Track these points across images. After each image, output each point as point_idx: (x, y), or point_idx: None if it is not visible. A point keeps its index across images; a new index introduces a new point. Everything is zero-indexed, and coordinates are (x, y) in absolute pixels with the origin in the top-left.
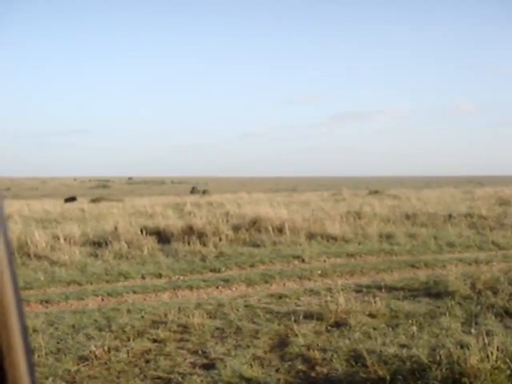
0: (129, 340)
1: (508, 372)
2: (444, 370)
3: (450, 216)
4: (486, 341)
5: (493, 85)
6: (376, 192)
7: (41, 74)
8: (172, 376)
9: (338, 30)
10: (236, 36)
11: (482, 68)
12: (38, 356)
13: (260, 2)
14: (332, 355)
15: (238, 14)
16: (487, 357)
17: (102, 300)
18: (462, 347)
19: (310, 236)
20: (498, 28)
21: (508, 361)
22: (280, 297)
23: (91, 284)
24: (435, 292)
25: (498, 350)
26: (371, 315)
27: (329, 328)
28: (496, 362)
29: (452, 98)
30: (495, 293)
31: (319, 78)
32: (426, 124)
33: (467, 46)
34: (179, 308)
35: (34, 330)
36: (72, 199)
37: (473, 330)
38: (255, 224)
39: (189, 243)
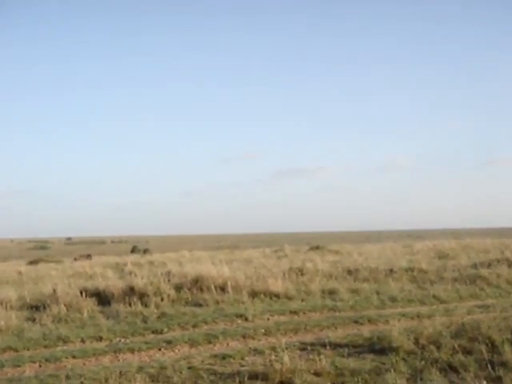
0: None
1: None
2: None
3: (391, 270)
4: None
5: (429, 140)
6: (317, 247)
7: None
8: None
9: (278, 85)
10: (173, 91)
11: (419, 123)
12: None
13: (193, 47)
14: None
15: (179, 63)
16: None
17: (40, 366)
18: None
19: (253, 294)
20: (430, 83)
21: None
22: (224, 357)
23: (28, 350)
24: (379, 348)
25: None
26: (316, 374)
27: None
28: None
29: (389, 153)
30: (438, 347)
31: (262, 135)
32: (363, 180)
33: (402, 99)
34: (120, 372)
35: None
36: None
37: None
38: (197, 283)
39: (130, 304)
